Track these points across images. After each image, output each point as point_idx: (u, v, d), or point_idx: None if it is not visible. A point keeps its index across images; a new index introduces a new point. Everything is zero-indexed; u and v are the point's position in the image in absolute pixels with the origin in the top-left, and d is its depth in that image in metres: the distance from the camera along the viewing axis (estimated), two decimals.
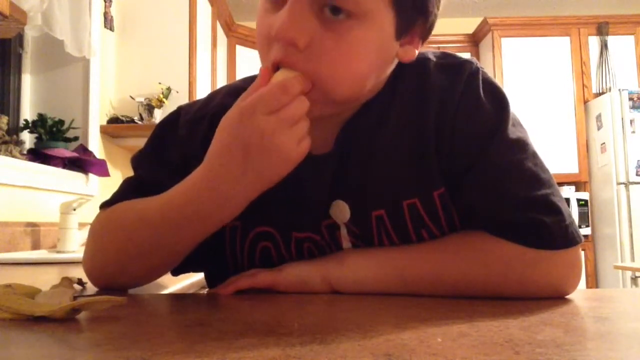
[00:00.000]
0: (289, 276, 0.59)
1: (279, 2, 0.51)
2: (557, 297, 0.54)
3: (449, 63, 0.60)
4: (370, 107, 0.59)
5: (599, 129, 3.73)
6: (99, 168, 2.15)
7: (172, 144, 0.65)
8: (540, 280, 0.54)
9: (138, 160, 0.68)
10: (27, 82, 2.16)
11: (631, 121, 3.53)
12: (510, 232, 0.54)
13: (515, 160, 0.56)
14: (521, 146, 0.57)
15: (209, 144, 0.58)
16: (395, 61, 0.58)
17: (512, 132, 0.56)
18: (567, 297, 0.55)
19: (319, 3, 0.49)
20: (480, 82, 0.58)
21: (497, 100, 0.58)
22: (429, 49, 0.62)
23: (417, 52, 0.57)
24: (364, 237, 0.60)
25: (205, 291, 0.84)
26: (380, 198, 0.58)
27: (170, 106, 2.47)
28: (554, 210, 0.54)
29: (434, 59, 0.60)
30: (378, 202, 0.58)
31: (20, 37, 2.10)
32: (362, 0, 0.49)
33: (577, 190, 3.81)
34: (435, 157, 0.57)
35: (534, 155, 0.57)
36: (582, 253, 3.66)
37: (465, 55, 0.62)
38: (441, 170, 0.57)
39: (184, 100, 2.54)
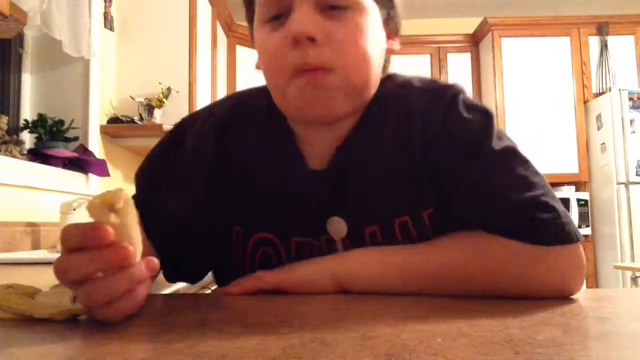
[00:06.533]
0: (295, 276, 0.60)
1: (281, 20, 0.58)
2: (561, 297, 0.54)
3: (431, 87, 0.64)
4: (362, 126, 0.63)
5: (599, 129, 3.73)
6: (99, 168, 2.15)
7: (178, 160, 0.67)
8: (540, 277, 0.54)
9: (138, 179, 0.69)
10: (27, 82, 2.16)
11: (631, 121, 3.52)
12: (507, 232, 0.55)
13: (505, 166, 0.57)
14: (510, 153, 0.59)
15: (217, 156, 0.64)
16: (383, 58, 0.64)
17: (498, 144, 0.59)
18: (567, 297, 0.55)
19: (320, 4, 0.57)
20: (462, 101, 0.61)
21: (481, 114, 0.61)
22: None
23: (398, 44, 0.67)
24: None
25: (206, 291, 0.84)
26: (373, 215, 0.61)
27: (170, 106, 2.47)
28: (548, 209, 0.55)
29: (419, 84, 0.65)
30: (372, 219, 0.61)
31: (20, 37, 2.10)
32: None
33: (577, 190, 3.81)
34: (425, 177, 0.60)
35: (525, 162, 0.59)
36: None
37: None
38: (431, 190, 0.60)
39: (184, 100, 2.54)
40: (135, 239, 0.43)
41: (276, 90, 0.61)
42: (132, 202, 0.43)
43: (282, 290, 0.59)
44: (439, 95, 0.62)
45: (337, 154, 0.62)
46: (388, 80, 0.66)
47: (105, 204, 0.41)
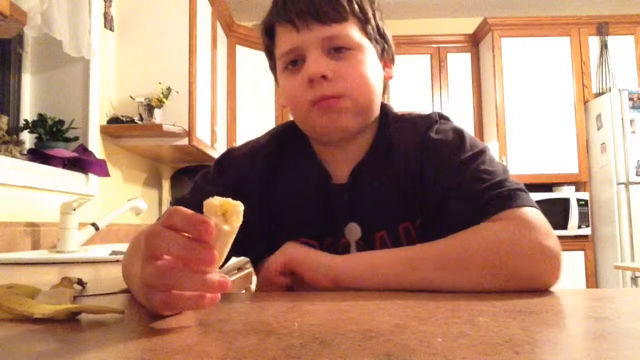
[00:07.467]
0: (299, 252, 0.67)
1: (298, 65, 0.74)
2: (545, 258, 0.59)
3: (416, 117, 0.80)
4: (372, 151, 0.78)
5: (599, 129, 3.73)
6: (99, 168, 2.15)
7: (229, 170, 0.80)
8: (529, 241, 0.60)
9: (198, 178, 0.82)
10: (27, 82, 2.16)
11: (631, 121, 3.52)
12: (487, 211, 0.64)
13: (474, 167, 0.69)
14: (479, 156, 0.71)
15: (264, 179, 0.78)
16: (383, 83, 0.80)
17: (469, 152, 0.72)
18: (567, 297, 0.55)
19: (327, 49, 0.73)
20: (439, 126, 0.77)
21: (454, 133, 0.75)
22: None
23: (393, 72, 0.83)
24: None
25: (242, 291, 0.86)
26: (382, 221, 0.75)
27: (170, 106, 2.47)
28: (511, 184, 0.67)
29: (410, 117, 0.81)
30: (380, 225, 0.75)
31: (20, 37, 2.10)
32: (352, 38, 0.74)
33: (577, 190, 3.81)
34: (411, 193, 0.74)
35: (491, 160, 0.72)
36: (582, 253, 3.69)
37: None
38: (417, 202, 0.73)
39: (184, 100, 2.54)
40: (224, 250, 0.44)
41: (301, 120, 0.77)
42: (241, 217, 0.44)
43: (290, 267, 0.65)
44: (422, 123, 0.78)
45: (354, 172, 0.77)
46: (389, 115, 0.81)
47: (222, 208, 0.43)
